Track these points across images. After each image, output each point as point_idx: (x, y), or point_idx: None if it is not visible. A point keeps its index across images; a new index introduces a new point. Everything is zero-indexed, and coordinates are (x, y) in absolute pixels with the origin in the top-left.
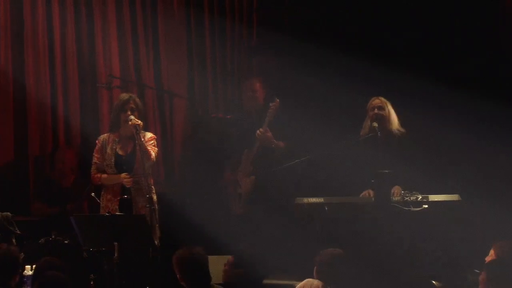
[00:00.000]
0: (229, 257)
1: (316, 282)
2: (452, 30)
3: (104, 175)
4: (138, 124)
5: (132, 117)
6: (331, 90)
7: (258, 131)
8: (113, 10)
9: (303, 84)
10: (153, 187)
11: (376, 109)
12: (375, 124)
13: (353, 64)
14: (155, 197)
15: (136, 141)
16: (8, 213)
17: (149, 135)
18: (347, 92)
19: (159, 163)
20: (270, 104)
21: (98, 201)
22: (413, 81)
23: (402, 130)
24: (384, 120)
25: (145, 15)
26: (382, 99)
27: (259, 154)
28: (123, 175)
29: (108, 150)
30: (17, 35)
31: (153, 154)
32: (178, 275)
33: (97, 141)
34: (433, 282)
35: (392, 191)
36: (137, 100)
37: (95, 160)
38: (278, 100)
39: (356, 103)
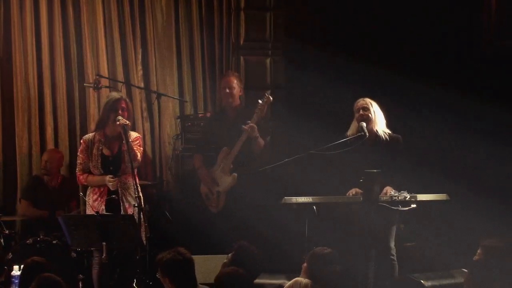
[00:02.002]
0: (228, 255)
1: (304, 281)
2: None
3: (90, 176)
4: (126, 124)
5: (120, 117)
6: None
7: (245, 126)
8: (100, 9)
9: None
10: (139, 186)
11: (361, 110)
12: (363, 124)
13: (343, 63)
14: (142, 196)
15: (124, 141)
16: None
17: (134, 135)
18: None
19: (147, 163)
20: (259, 101)
21: (86, 199)
22: (403, 81)
23: (388, 131)
24: (369, 121)
25: (133, 14)
26: (368, 100)
27: (241, 152)
28: (107, 177)
29: (94, 151)
30: (4, 35)
31: (138, 154)
32: (163, 277)
33: (81, 141)
34: (422, 281)
35: (384, 191)
36: (127, 100)
37: (79, 160)
38: (270, 97)
39: (346, 103)
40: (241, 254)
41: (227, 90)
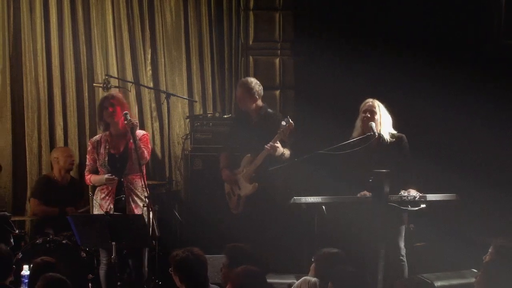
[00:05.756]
0: (223, 259)
1: (313, 280)
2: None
3: (93, 176)
4: (134, 124)
5: (128, 116)
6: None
7: (267, 146)
8: (110, 9)
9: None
10: (147, 187)
11: (367, 113)
12: (373, 124)
13: (352, 63)
14: (150, 197)
15: (131, 141)
16: (6, 212)
17: (141, 133)
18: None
19: (157, 162)
20: (283, 123)
21: (93, 197)
22: (412, 79)
23: (393, 131)
24: (375, 123)
25: (142, 14)
26: (375, 101)
27: (265, 164)
28: (105, 175)
29: (101, 150)
30: (15, 36)
31: (145, 152)
32: (176, 276)
33: (89, 143)
34: (432, 281)
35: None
36: (117, 95)
37: (87, 162)
38: (292, 123)
39: (355, 103)
40: (235, 255)
41: (244, 93)
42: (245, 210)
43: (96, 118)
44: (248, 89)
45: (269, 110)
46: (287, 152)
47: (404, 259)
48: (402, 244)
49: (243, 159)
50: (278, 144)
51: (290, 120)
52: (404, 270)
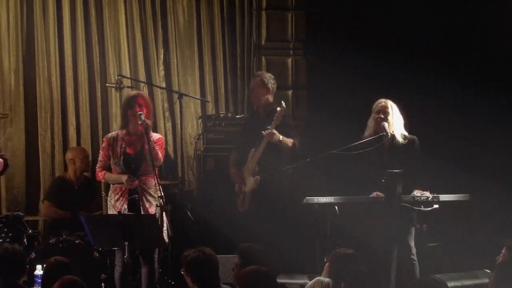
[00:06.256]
0: (235, 259)
1: (326, 280)
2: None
3: (108, 173)
4: (149, 125)
5: (143, 117)
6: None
7: (264, 132)
8: (122, 9)
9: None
10: (160, 187)
11: (381, 114)
12: (386, 124)
13: (364, 63)
14: (163, 196)
15: (146, 141)
16: (19, 212)
17: (157, 136)
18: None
19: (169, 162)
20: (277, 108)
21: (108, 199)
22: (425, 79)
23: (405, 133)
24: (388, 123)
25: (154, 14)
26: (388, 102)
27: (266, 155)
28: (125, 176)
29: (117, 148)
30: (28, 36)
31: (160, 154)
32: (187, 277)
33: (104, 139)
34: (445, 282)
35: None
36: (145, 96)
37: (100, 157)
38: (284, 106)
39: (367, 103)
40: (248, 256)
41: (256, 90)
42: (251, 206)
43: (120, 113)
44: (262, 80)
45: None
46: (286, 139)
47: (415, 258)
48: (412, 243)
49: (249, 155)
50: (275, 131)
51: (283, 104)
52: (415, 270)
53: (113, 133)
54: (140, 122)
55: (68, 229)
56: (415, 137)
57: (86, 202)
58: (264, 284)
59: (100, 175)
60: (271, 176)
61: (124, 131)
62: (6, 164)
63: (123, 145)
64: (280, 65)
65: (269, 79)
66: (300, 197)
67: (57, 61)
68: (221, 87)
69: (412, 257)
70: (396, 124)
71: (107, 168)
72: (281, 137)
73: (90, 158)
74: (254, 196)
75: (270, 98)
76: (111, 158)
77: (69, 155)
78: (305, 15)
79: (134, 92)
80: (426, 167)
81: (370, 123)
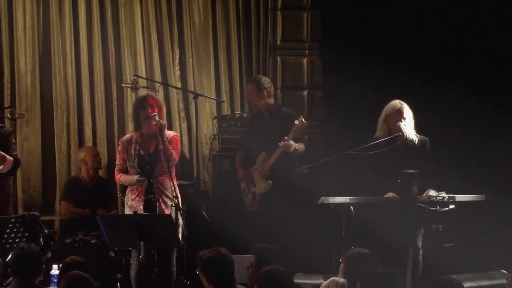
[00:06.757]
0: (251, 259)
1: (341, 280)
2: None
3: (123, 176)
4: (163, 125)
5: (157, 117)
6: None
7: (280, 143)
8: (138, 10)
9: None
10: (177, 187)
11: (396, 114)
12: (401, 124)
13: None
14: (180, 196)
15: (160, 142)
16: (35, 212)
17: (171, 133)
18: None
19: (184, 163)
20: (296, 122)
21: (124, 199)
22: (439, 81)
23: (418, 135)
24: (403, 124)
25: (170, 14)
26: (402, 103)
27: (279, 162)
28: (135, 177)
29: (131, 151)
30: (44, 36)
31: (175, 154)
32: (203, 277)
33: (119, 142)
34: (461, 282)
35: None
36: (156, 96)
37: (117, 161)
38: (305, 121)
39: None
40: (264, 256)
41: (257, 92)
42: (261, 208)
43: (132, 115)
44: (257, 85)
45: (283, 108)
46: (300, 146)
47: (421, 258)
48: (420, 244)
49: (258, 157)
50: (292, 142)
51: (302, 119)
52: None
53: (128, 135)
54: (154, 123)
55: (84, 229)
56: (426, 138)
57: (101, 201)
58: (281, 284)
59: (117, 178)
60: (283, 178)
61: (138, 133)
62: (16, 163)
63: (137, 147)
64: (296, 65)
65: (264, 82)
66: (315, 197)
67: (73, 61)
68: (236, 87)
69: (419, 257)
70: (410, 125)
71: (125, 171)
72: (296, 145)
73: (105, 159)
74: (265, 198)
75: (270, 100)
76: (127, 161)
77: (80, 155)
78: (321, 15)
79: (144, 93)
80: (438, 168)
81: (382, 124)
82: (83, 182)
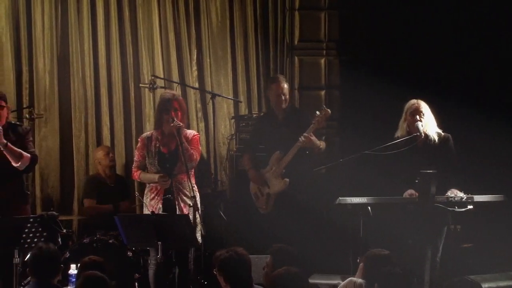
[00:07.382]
0: (267, 259)
1: (359, 281)
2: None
3: (143, 173)
4: (180, 127)
5: (175, 119)
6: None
7: (301, 137)
8: (156, 10)
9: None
10: (195, 186)
11: (414, 114)
12: (419, 124)
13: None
14: (198, 196)
15: (179, 143)
16: (54, 212)
17: (192, 133)
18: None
19: (202, 163)
20: (317, 112)
21: (142, 200)
22: (459, 80)
23: (439, 130)
24: (422, 123)
25: (188, 15)
26: (420, 102)
27: (294, 161)
28: (158, 176)
29: (152, 148)
30: (62, 37)
31: (195, 155)
32: (220, 277)
33: (139, 139)
34: (479, 283)
35: (451, 193)
36: (180, 99)
37: (136, 158)
38: (328, 110)
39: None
40: (281, 257)
41: (282, 97)
42: (277, 208)
43: (155, 114)
44: (287, 83)
45: (296, 106)
46: (323, 144)
47: (439, 261)
48: (440, 246)
49: (272, 157)
50: (314, 138)
51: (325, 107)
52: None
53: (148, 133)
54: (171, 125)
55: (102, 229)
56: (449, 135)
57: (123, 198)
58: (296, 285)
59: (136, 175)
60: (300, 177)
61: (158, 131)
62: (33, 159)
63: (157, 145)
64: (313, 65)
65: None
66: (333, 197)
67: (91, 61)
68: (254, 87)
69: (437, 259)
70: (429, 123)
71: (143, 168)
72: (319, 143)
73: (123, 159)
74: (280, 197)
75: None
76: (146, 158)
77: (95, 156)
78: (338, 15)
79: (168, 94)
80: (461, 166)
81: (402, 124)
82: (104, 180)
